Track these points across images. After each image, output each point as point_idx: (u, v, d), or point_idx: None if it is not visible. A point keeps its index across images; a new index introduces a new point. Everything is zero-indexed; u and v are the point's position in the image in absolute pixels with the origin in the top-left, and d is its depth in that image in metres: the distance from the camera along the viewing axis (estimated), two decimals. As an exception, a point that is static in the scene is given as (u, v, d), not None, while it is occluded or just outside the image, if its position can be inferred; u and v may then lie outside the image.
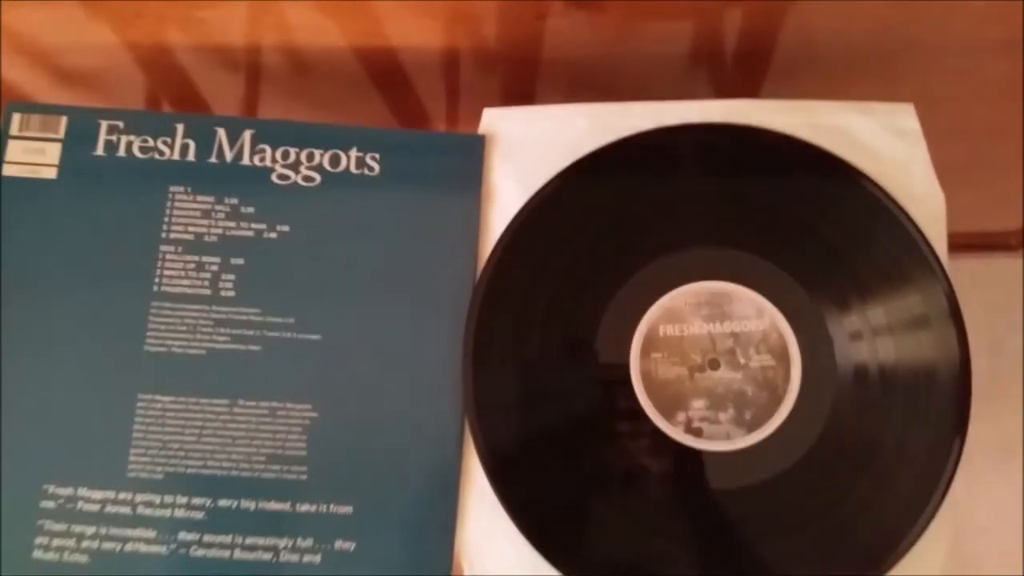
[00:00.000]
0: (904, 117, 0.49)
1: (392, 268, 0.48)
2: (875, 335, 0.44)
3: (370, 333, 0.48)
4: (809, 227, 0.46)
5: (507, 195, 0.49)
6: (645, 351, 0.47)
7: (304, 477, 0.47)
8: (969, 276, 0.51)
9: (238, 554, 0.45)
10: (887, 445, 0.45)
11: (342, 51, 0.55)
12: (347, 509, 0.47)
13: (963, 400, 0.45)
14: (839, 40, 0.53)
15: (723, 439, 0.46)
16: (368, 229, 0.48)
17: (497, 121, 0.50)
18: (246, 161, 0.50)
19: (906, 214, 0.45)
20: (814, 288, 0.44)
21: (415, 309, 0.48)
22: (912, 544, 0.44)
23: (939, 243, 0.47)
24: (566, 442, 0.46)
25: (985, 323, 0.52)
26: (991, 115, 0.61)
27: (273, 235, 0.49)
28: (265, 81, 0.59)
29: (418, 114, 0.61)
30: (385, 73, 0.57)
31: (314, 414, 0.47)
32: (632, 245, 0.46)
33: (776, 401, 0.45)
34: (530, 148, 0.49)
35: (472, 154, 0.49)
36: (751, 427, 0.46)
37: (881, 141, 0.48)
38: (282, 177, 0.50)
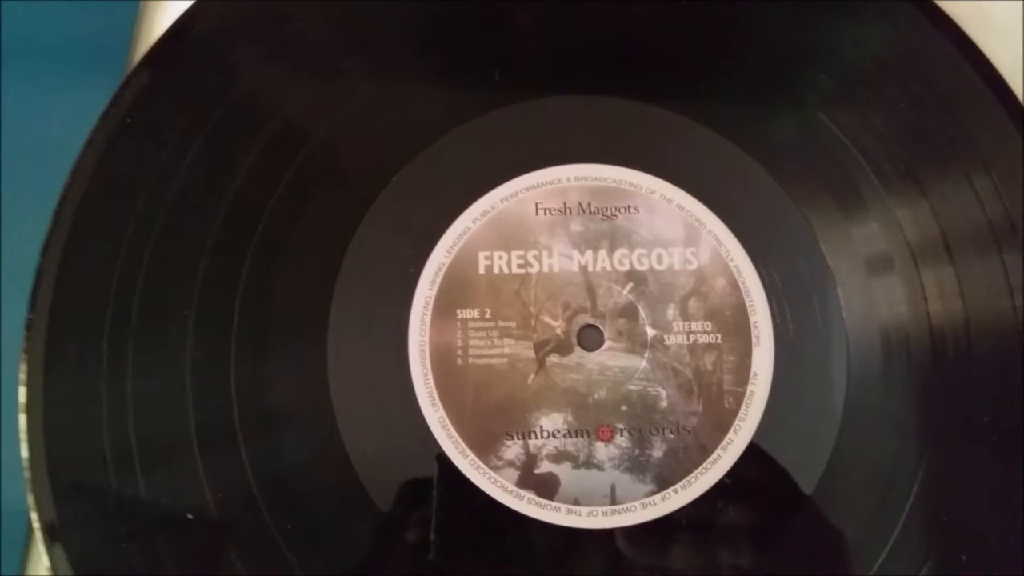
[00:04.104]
0: None
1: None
2: (920, 260, 0.19)
3: None
4: (784, 61, 0.21)
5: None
6: (442, 308, 0.22)
7: None
8: None
9: None
10: (966, 511, 0.20)
11: None
12: None
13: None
14: None
15: (603, 503, 0.21)
16: None
17: None
18: None
19: (970, 43, 0.21)
20: (794, 176, 0.20)
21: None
22: None
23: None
24: (257, 542, 0.20)
25: None
26: None
27: None
28: None
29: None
30: None
31: None
32: (417, 93, 0.21)
33: (721, 419, 0.20)
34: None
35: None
36: (665, 477, 0.21)
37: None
38: None
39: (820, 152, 0.23)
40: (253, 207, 0.22)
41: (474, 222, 0.22)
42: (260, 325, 0.21)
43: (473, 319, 0.22)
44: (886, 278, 0.22)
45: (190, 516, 0.20)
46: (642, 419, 0.21)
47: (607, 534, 0.21)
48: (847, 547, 0.21)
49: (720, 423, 0.21)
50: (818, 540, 0.21)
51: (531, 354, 0.22)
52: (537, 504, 0.21)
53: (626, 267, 0.22)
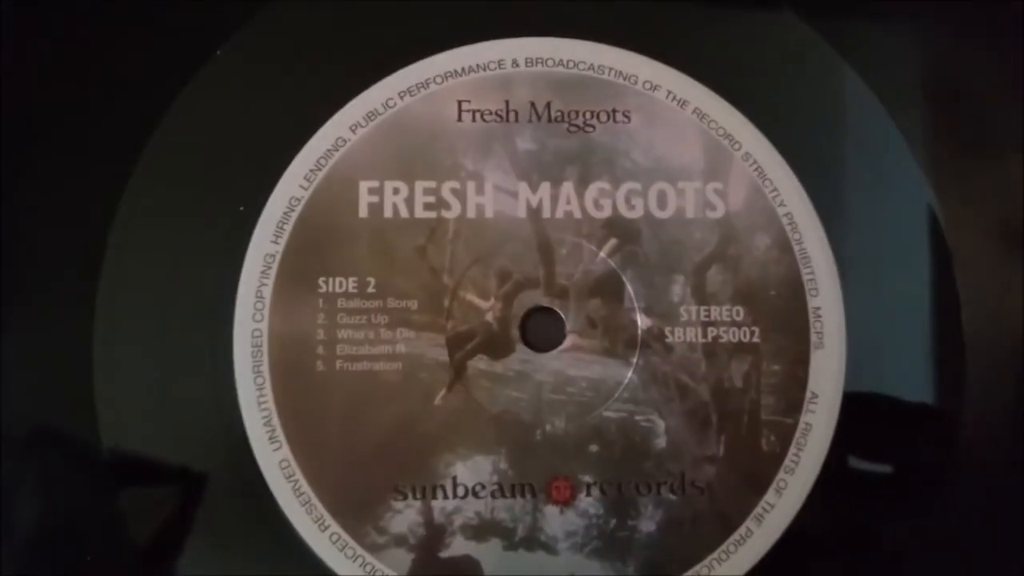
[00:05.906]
0: None
1: None
2: None
3: None
4: None
5: None
6: (293, 275, 0.13)
7: None
8: None
9: None
10: None
11: None
12: None
13: None
14: None
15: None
16: None
17: None
18: None
19: None
20: (891, 74, 0.11)
21: None
22: None
23: None
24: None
25: None
26: None
27: None
28: None
29: None
30: None
31: None
32: None
33: (756, 470, 0.11)
34: None
35: None
36: (660, 565, 0.12)
37: None
38: None
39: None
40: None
41: (353, 131, 0.13)
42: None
43: (346, 294, 0.13)
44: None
45: None
46: (624, 468, 0.13)
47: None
48: None
49: (754, 477, 0.13)
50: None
51: (443, 355, 0.13)
52: (444, 608, 0.13)
53: (606, 212, 0.13)
